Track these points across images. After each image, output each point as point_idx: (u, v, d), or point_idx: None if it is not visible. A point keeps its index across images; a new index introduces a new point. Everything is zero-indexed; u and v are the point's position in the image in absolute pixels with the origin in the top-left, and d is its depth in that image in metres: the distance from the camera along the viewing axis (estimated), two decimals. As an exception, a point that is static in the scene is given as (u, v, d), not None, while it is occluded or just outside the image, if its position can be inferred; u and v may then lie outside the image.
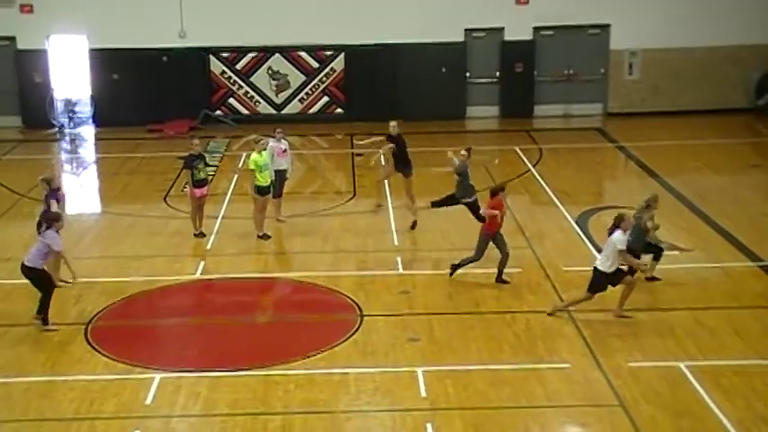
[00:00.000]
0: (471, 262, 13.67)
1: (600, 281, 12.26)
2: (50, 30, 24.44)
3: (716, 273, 14.17)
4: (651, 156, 20.99)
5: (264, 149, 15.66)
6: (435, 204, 15.65)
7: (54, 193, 13.78)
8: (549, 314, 12.50)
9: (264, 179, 15.45)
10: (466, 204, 15.17)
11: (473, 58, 24.97)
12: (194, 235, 15.88)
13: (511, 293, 13.34)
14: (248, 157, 15.84)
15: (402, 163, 16.59)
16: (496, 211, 13.36)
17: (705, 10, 24.54)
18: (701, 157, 21.04)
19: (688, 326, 12.26)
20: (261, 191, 15.45)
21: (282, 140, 16.62)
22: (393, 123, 16.76)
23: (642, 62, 24.97)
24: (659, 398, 10.45)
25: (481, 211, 14.03)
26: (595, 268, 12.28)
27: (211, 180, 19.74)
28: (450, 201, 15.44)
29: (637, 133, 23.13)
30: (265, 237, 15.65)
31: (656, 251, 13.63)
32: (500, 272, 13.61)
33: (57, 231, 12.31)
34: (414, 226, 16.06)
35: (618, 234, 12.13)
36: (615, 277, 12.30)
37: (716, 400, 10.33)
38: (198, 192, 15.72)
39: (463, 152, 15.29)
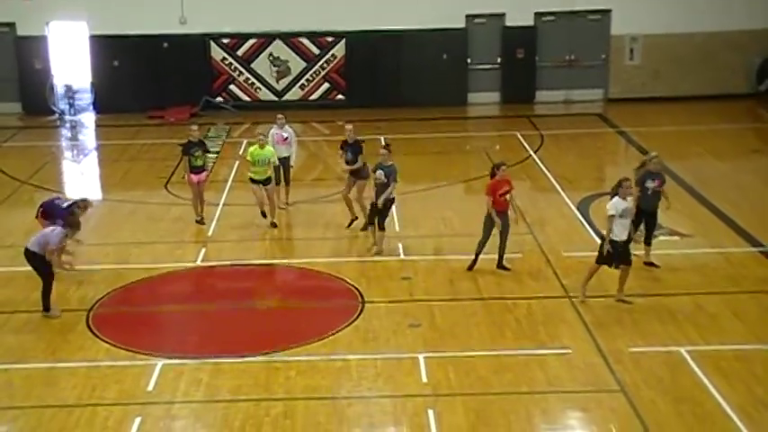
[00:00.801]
0: (481, 246, 13.52)
1: (612, 251, 12.19)
2: (50, 16, 24.37)
3: (717, 258, 14.17)
4: (652, 141, 20.94)
5: (265, 144, 15.57)
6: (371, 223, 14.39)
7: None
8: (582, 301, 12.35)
9: (257, 173, 15.39)
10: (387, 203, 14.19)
11: (474, 45, 24.91)
12: (196, 221, 15.89)
13: (512, 279, 13.34)
14: (249, 145, 15.82)
15: (355, 171, 15.17)
16: (490, 198, 13.23)
17: (706, -5, 24.51)
18: (701, 142, 21.02)
19: (689, 311, 12.27)
20: (252, 181, 15.54)
21: (286, 128, 16.51)
22: (349, 127, 15.45)
23: (643, 47, 24.91)
24: (660, 383, 10.47)
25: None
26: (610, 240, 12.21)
27: (213, 167, 19.76)
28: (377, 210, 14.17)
29: (638, 119, 23.10)
30: (273, 225, 15.60)
31: (649, 220, 13.51)
32: (500, 257, 13.60)
33: (65, 235, 12.37)
34: (350, 224, 15.38)
35: (614, 200, 12.13)
36: (626, 248, 12.20)
37: (716, 384, 10.35)
38: (195, 178, 15.71)
39: (383, 151, 14.24)
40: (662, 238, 14.95)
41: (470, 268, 13.54)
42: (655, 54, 24.80)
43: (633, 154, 20.81)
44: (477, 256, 13.55)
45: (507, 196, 13.42)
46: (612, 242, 12.21)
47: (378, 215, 14.13)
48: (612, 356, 11.06)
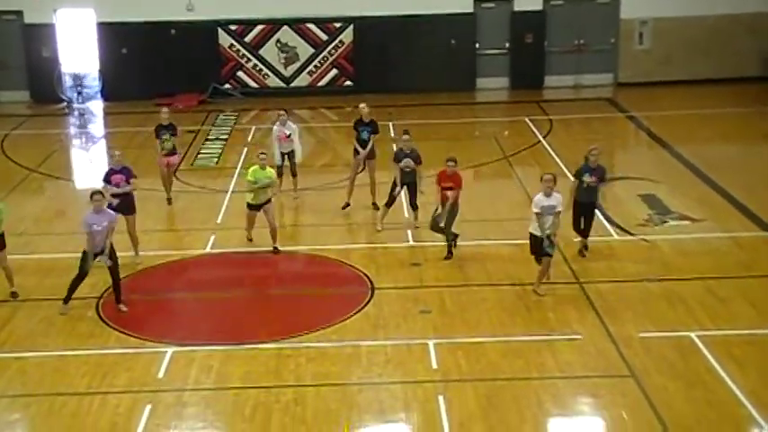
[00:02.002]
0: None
1: (532, 244, 12.34)
2: (58, 3, 24.34)
3: (728, 242, 14.10)
4: (662, 126, 20.85)
5: (267, 166, 14.03)
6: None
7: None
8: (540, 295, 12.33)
9: (256, 198, 13.90)
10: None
11: (483, 30, 24.78)
12: (167, 200, 16.16)
13: (522, 265, 13.29)
14: (249, 166, 14.34)
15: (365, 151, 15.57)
16: (438, 187, 13.45)
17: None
18: (712, 126, 20.90)
19: (699, 296, 12.22)
20: (249, 206, 14.12)
21: (288, 124, 16.17)
22: (362, 105, 15.72)
23: (652, 31, 24.74)
24: (671, 368, 10.44)
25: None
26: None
27: (221, 154, 19.77)
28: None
29: (647, 103, 22.97)
30: (275, 251, 14.07)
31: (587, 213, 13.48)
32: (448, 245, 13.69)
33: (95, 210, 12.00)
34: (345, 207, 15.67)
35: (536, 197, 12.22)
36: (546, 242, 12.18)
37: (728, 369, 10.31)
38: (165, 160, 15.76)
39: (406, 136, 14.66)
40: (672, 222, 14.91)
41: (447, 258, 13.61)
42: (664, 38, 24.63)
43: (643, 138, 20.74)
44: (448, 244, 13.64)
45: (449, 192, 13.44)
46: (532, 235, 12.22)
47: (411, 195, 14.67)
48: (623, 342, 11.04)
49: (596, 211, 13.81)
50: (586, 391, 10.12)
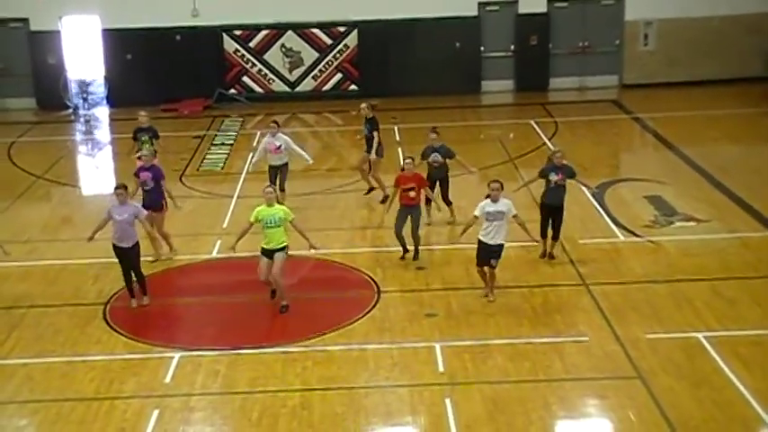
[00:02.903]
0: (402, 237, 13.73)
1: (478, 250, 12.25)
2: (63, 11, 24.42)
3: (734, 243, 14.07)
4: (668, 127, 20.82)
5: (271, 204, 12.07)
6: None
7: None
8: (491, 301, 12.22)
9: (270, 240, 11.99)
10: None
11: (487, 32, 24.79)
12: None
13: (528, 267, 13.30)
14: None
15: (371, 148, 16.08)
16: (396, 190, 13.51)
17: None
18: (718, 127, 20.86)
19: (706, 296, 12.20)
20: (262, 251, 12.17)
21: (279, 135, 15.83)
22: (363, 105, 16.31)
23: (657, 32, 24.72)
24: (678, 369, 10.42)
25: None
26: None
27: (226, 159, 19.80)
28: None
29: (653, 104, 22.95)
30: (284, 309, 12.30)
31: (555, 216, 13.41)
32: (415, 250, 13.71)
33: (119, 203, 12.39)
34: (368, 192, 16.40)
35: (482, 202, 12.15)
36: (491, 249, 12.10)
37: (735, 370, 10.29)
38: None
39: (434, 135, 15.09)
40: (678, 223, 14.89)
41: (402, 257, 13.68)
42: (669, 39, 24.61)
43: (648, 140, 20.72)
44: (403, 246, 13.69)
45: (411, 193, 13.45)
46: (479, 241, 12.12)
47: (442, 191, 15.00)
48: (630, 343, 11.02)
49: (564, 213, 13.59)
50: (593, 393, 10.10)
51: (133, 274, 12.48)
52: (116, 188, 12.50)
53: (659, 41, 24.72)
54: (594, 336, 11.27)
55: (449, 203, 15.07)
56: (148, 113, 17.09)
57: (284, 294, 12.27)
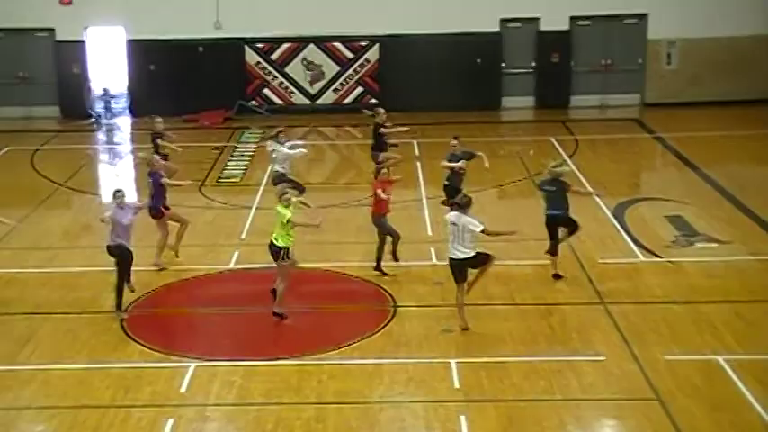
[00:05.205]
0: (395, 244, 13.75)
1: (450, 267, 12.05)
2: (89, 21, 24.68)
3: (755, 265, 13.95)
4: (690, 147, 20.70)
5: (288, 205, 12.22)
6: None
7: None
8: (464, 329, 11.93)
9: (280, 239, 12.15)
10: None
11: (509, 49, 24.81)
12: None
13: (546, 285, 13.23)
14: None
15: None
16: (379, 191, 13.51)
17: (744, -2, 24.19)
18: (741, 147, 20.73)
19: (726, 318, 12.08)
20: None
21: (273, 143, 16.16)
22: (369, 113, 17.10)
23: (680, 52, 24.64)
24: (696, 391, 10.31)
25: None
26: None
27: (245, 171, 19.85)
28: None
29: (675, 124, 22.83)
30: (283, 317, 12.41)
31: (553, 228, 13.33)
32: (378, 260, 13.70)
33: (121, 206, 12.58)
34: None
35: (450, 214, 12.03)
36: (458, 266, 11.90)
37: (755, 394, 10.16)
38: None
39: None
40: (699, 244, 14.77)
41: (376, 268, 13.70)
42: (692, 58, 24.51)
43: (670, 159, 20.60)
44: (378, 258, 13.71)
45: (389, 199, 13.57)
46: (450, 258, 11.88)
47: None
48: (648, 364, 10.92)
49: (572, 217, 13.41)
50: (610, 414, 10.01)
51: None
52: (116, 192, 12.62)
53: (682, 61, 24.63)
54: (612, 355, 11.18)
55: None
56: (164, 120, 17.51)
57: (280, 301, 12.24)
